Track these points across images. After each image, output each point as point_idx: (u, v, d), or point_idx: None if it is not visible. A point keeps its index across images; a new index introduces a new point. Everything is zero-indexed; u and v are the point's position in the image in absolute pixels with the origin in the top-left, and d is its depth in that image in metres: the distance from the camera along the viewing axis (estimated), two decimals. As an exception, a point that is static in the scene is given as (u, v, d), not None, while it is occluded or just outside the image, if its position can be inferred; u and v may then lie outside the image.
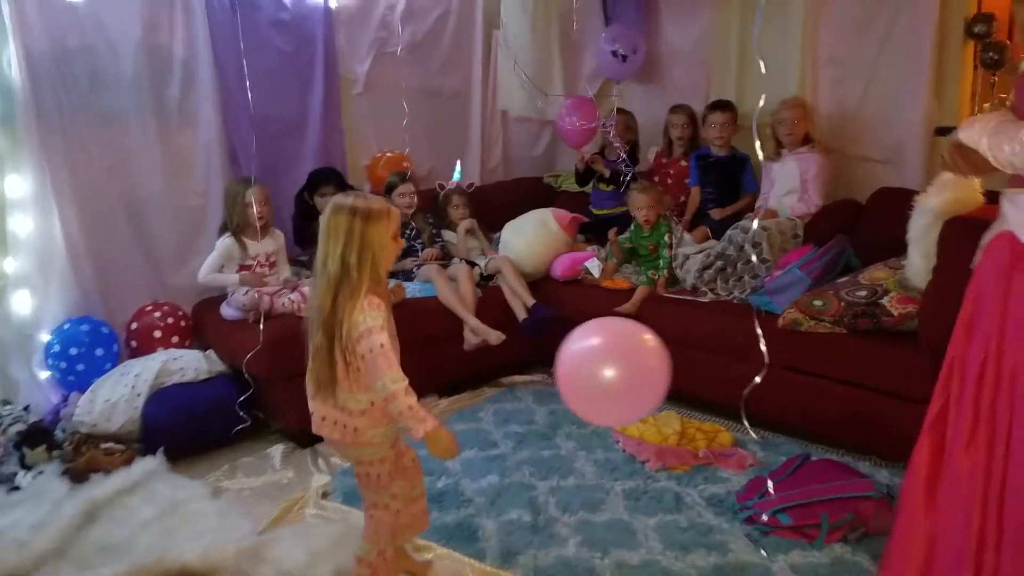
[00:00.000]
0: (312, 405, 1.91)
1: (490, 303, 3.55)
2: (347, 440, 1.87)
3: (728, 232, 3.42)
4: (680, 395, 3.26)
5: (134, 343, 3.22)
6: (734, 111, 3.82)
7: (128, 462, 2.75)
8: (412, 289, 3.49)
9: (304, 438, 3.03)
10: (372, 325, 1.72)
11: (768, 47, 3.88)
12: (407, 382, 1.73)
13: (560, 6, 4.51)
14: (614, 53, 4.07)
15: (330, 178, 3.64)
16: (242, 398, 3.02)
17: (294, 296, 3.20)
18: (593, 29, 4.46)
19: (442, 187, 4.09)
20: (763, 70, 1.41)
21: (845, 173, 3.71)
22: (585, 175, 4.27)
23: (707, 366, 3.17)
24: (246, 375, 3.00)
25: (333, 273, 1.75)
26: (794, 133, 3.55)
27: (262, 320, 2.97)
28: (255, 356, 2.96)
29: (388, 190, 3.77)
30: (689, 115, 4.05)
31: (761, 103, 1.98)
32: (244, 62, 3.21)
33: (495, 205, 4.25)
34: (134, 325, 3.24)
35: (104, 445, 2.83)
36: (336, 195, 1.86)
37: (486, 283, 3.69)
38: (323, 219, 1.79)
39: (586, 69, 4.64)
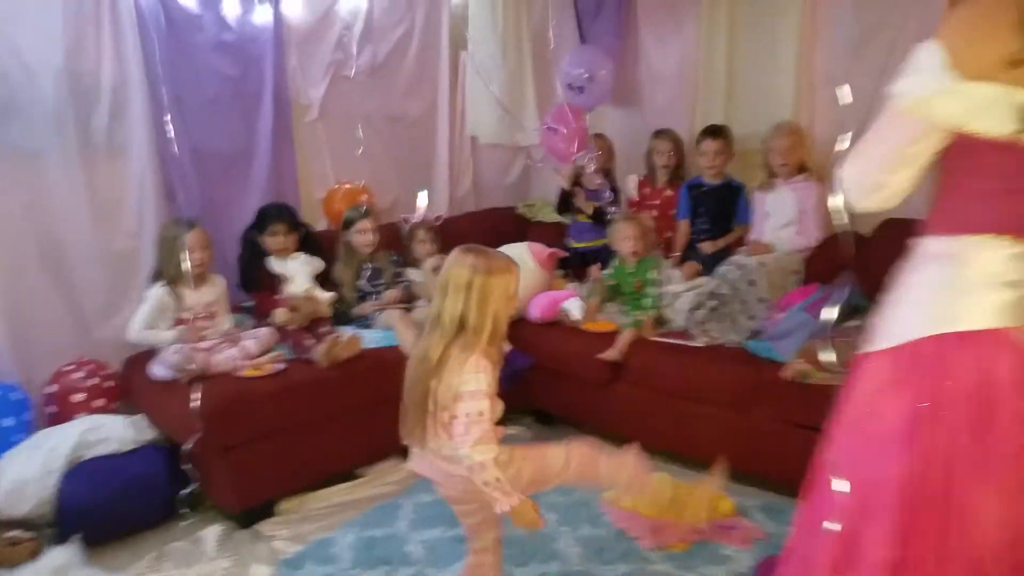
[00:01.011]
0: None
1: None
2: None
3: (721, 268, 3.11)
4: (674, 453, 2.95)
5: (52, 408, 2.83)
6: (728, 137, 3.51)
7: (35, 554, 2.36)
8: (372, 338, 3.12)
9: (244, 518, 2.64)
10: (478, 389, 1.69)
11: (758, 66, 3.60)
12: (496, 453, 1.70)
13: (532, 25, 4.21)
14: (570, 86, 3.76)
15: (281, 215, 3.27)
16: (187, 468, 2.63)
17: (235, 352, 2.82)
18: (569, 49, 4.15)
19: (406, 221, 3.74)
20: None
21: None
22: (569, 198, 3.94)
23: (702, 420, 2.84)
24: (183, 458, 2.60)
25: (448, 329, 1.73)
26: (789, 163, 3.26)
27: (197, 380, 2.60)
28: (187, 424, 2.57)
29: (346, 225, 3.42)
30: (675, 140, 3.75)
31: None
32: (180, 88, 2.89)
33: (465, 238, 3.86)
34: (53, 387, 2.85)
35: (8, 534, 2.43)
36: (458, 248, 1.80)
37: (455, 327, 3.33)
38: (443, 270, 1.78)
39: (560, 91, 4.32)
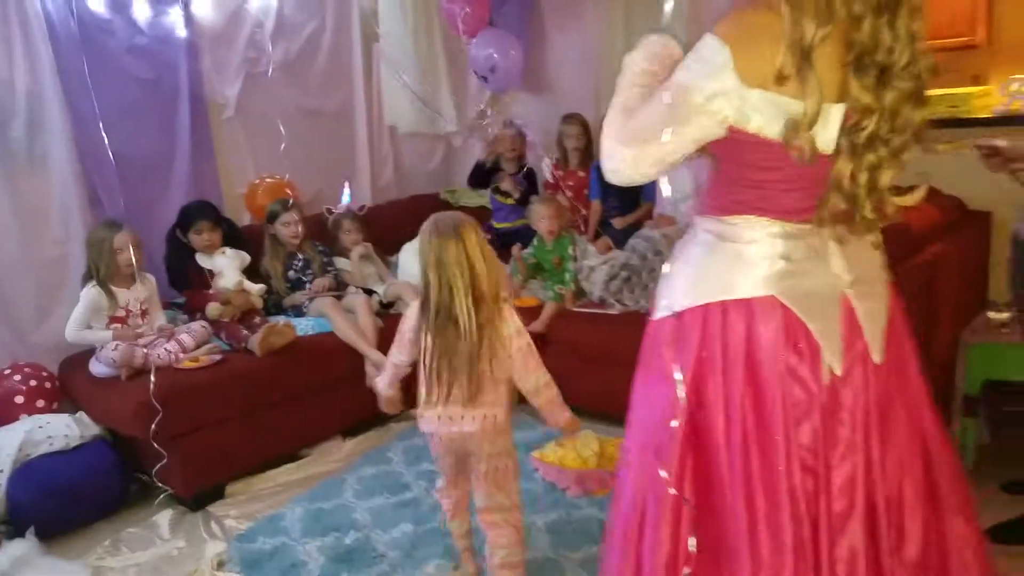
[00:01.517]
0: (450, 410, 1.94)
1: (392, 333, 3.33)
2: (491, 430, 1.98)
3: (630, 241, 3.37)
4: (598, 413, 3.19)
5: (-8, 413, 2.88)
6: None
7: (-10, 551, 2.43)
8: (304, 325, 3.26)
9: (195, 501, 2.77)
10: (520, 327, 1.93)
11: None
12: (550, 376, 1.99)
13: (442, 14, 4.36)
14: (476, 73, 3.95)
15: (204, 212, 3.36)
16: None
17: (171, 346, 2.92)
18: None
19: (331, 211, 3.87)
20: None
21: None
22: (487, 174, 4.13)
23: (623, 381, 3.08)
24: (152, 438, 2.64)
25: (466, 298, 1.83)
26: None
27: (143, 375, 2.70)
28: (132, 416, 2.68)
29: (270, 219, 3.53)
30: (582, 124, 3.98)
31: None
32: (95, 94, 2.94)
33: (390, 226, 4.06)
34: (-9, 393, 2.90)
35: (-40, 535, 2.50)
36: (429, 230, 1.87)
37: (386, 311, 3.50)
38: (426, 252, 1.86)
39: (475, 78, 4.51)
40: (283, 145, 3.02)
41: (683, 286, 1.36)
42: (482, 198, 4.42)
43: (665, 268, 1.44)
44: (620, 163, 1.29)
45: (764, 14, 1.19)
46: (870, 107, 1.18)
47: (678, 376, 1.31)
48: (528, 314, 3.34)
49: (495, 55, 3.94)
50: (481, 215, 4.24)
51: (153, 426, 2.59)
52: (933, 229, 2.80)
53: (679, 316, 1.33)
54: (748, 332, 1.27)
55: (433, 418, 1.96)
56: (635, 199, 3.80)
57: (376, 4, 4.25)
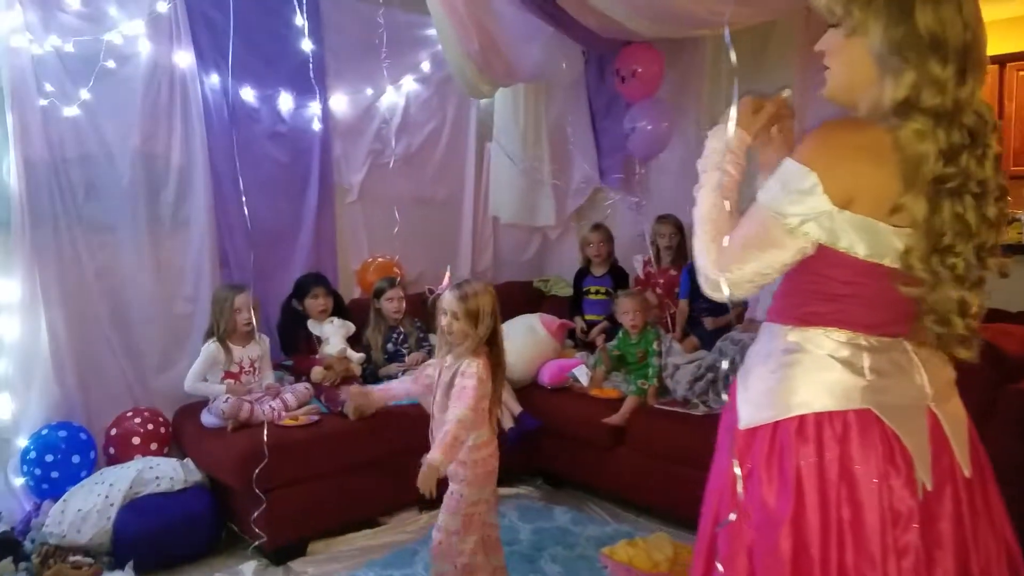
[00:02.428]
0: None
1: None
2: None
3: (718, 343, 3.41)
4: (672, 516, 3.18)
5: (112, 450, 3.16)
6: (723, 223, 3.88)
7: (94, 577, 2.65)
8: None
9: (278, 555, 2.93)
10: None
11: (754, 159, 3.99)
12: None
13: (550, 121, 4.65)
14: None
15: (320, 280, 3.68)
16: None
17: (275, 403, 3.16)
18: (583, 143, 4.61)
19: (431, 291, 4.10)
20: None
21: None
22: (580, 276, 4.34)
23: (699, 484, 3.07)
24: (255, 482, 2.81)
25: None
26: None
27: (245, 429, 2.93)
28: (234, 466, 2.89)
29: (377, 294, 3.79)
30: (676, 224, 4.12)
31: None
32: (238, 171, 3.31)
33: (485, 311, 4.25)
34: (113, 431, 3.19)
35: (72, 558, 2.73)
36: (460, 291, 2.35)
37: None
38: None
39: (576, 177, 4.75)
40: (396, 229, 3.27)
41: (773, 396, 1.35)
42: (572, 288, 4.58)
43: (742, 373, 1.44)
44: (720, 287, 1.36)
45: (853, 130, 1.26)
46: (966, 232, 1.23)
47: (737, 471, 1.34)
48: (609, 406, 3.42)
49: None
50: (571, 305, 4.39)
51: (257, 471, 2.76)
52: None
53: (775, 426, 1.33)
54: (844, 445, 1.27)
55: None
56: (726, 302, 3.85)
57: (492, 106, 4.60)
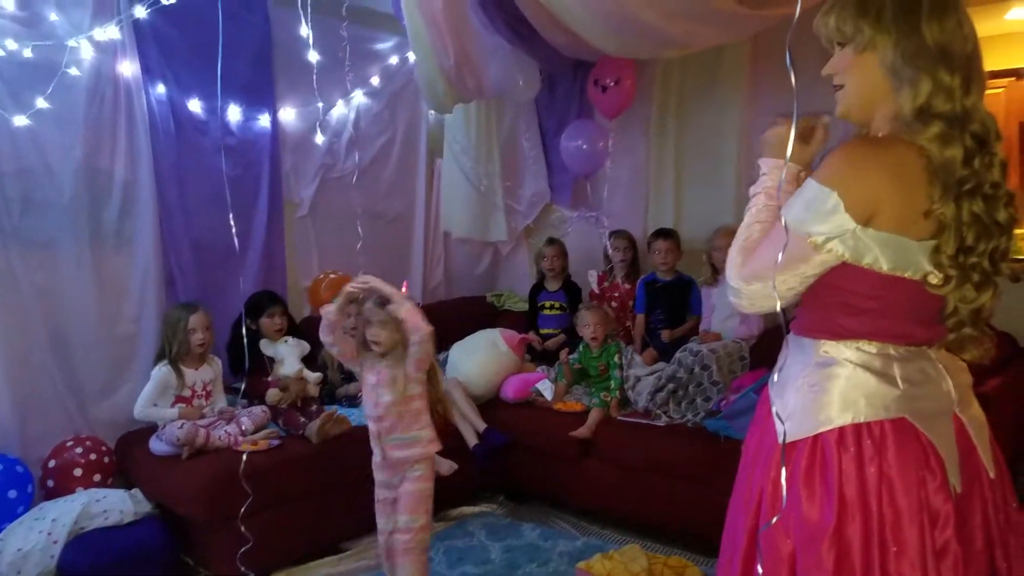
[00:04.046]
0: None
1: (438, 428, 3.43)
2: None
3: (677, 355, 3.45)
4: (642, 525, 3.19)
5: (51, 482, 2.95)
6: (677, 238, 3.95)
7: (39, 622, 2.46)
8: (357, 415, 3.33)
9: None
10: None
11: (703, 176, 4.09)
12: None
13: (501, 138, 4.65)
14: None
15: (276, 299, 3.55)
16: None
17: (230, 428, 3.02)
18: (534, 159, 4.62)
19: (386, 309, 4.02)
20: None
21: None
22: (535, 290, 4.34)
23: (669, 494, 3.11)
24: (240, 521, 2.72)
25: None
26: (732, 259, 3.67)
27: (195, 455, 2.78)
28: (186, 496, 2.74)
29: (332, 313, 3.67)
30: (629, 239, 4.17)
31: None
32: (184, 185, 3.17)
33: (438, 324, 4.16)
34: (52, 463, 2.98)
35: (12, 603, 2.53)
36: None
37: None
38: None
39: (527, 193, 4.76)
40: (360, 244, 3.20)
41: (813, 409, 1.36)
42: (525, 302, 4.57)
43: (776, 381, 1.44)
44: (744, 298, 1.40)
45: (875, 147, 1.30)
46: (985, 232, 1.28)
47: (817, 510, 1.33)
48: (573, 419, 3.41)
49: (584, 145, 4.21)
50: (525, 319, 4.37)
51: (243, 509, 2.64)
52: (992, 362, 2.88)
53: (815, 439, 1.35)
54: (882, 454, 1.29)
55: None
56: (682, 313, 3.92)
57: (443, 121, 4.57)
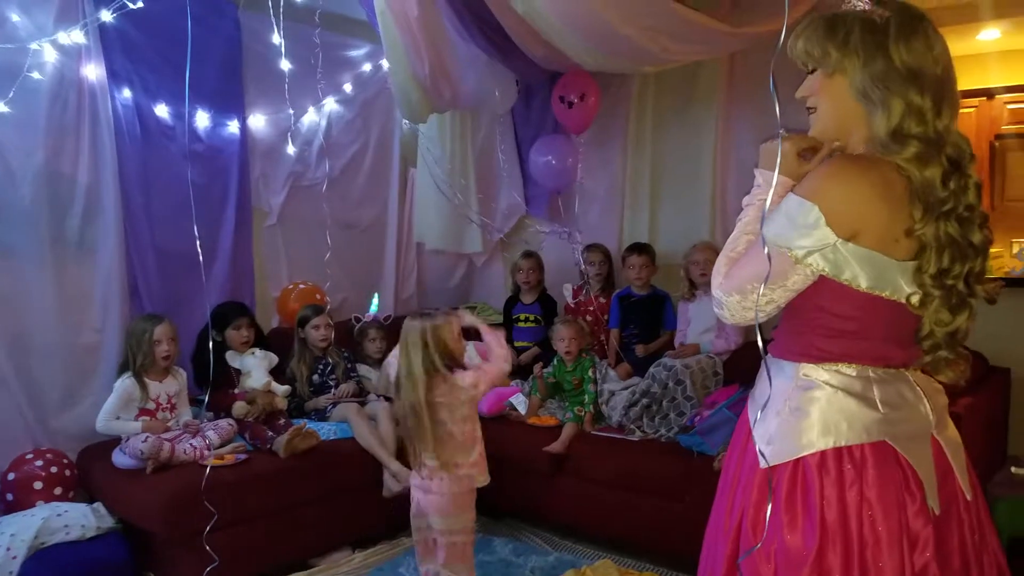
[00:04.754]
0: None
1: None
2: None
3: (651, 370, 3.44)
4: (615, 540, 3.17)
5: (10, 496, 2.85)
6: (651, 253, 3.95)
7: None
8: (327, 430, 3.29)
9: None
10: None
11: (679, 192, 4.10)
12: None
13: (476, 149, 4.62)
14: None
15: (243, 311, 3.47)
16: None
17: (196, 442, 2.94)
18: (509, 171, 4.60)
19: (358, 319, 3.97)
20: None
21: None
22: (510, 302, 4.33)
23: (642, 509, 3.09)
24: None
25: (422, 376, 2.31)
26: (707, 273, 3.68)
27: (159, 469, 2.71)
28: (150, 511, 2.66)
29: (301, 323, 3.61)
30: (604, 253, 4.16)
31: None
32: (150, 192, 3.08)
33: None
34: (11, 475, 2.88)
35: (-36, 624, 2.43)
36: (408, 316, 2.43)
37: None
38: (403, 335, 2.37)
39: (502, 205, 4.73)
40: (328, 255, 3.14)
41: (793, 433, 1.35)
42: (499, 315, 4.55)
43: (753, 402, 1.44)
44: (725, 309, 1.39)
45: (862, 165, 1.29)
46: (960, 253, 1.28)
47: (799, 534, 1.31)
48: (547, 434, 3.39)
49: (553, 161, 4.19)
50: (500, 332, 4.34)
51: (209, 527, 2.58)
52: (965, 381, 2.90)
53: (795, 463, 1.33)
54: (862, 477, 1.29)
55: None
56: (656, 328, 3.91)
57: (416, 131, 4.52)
